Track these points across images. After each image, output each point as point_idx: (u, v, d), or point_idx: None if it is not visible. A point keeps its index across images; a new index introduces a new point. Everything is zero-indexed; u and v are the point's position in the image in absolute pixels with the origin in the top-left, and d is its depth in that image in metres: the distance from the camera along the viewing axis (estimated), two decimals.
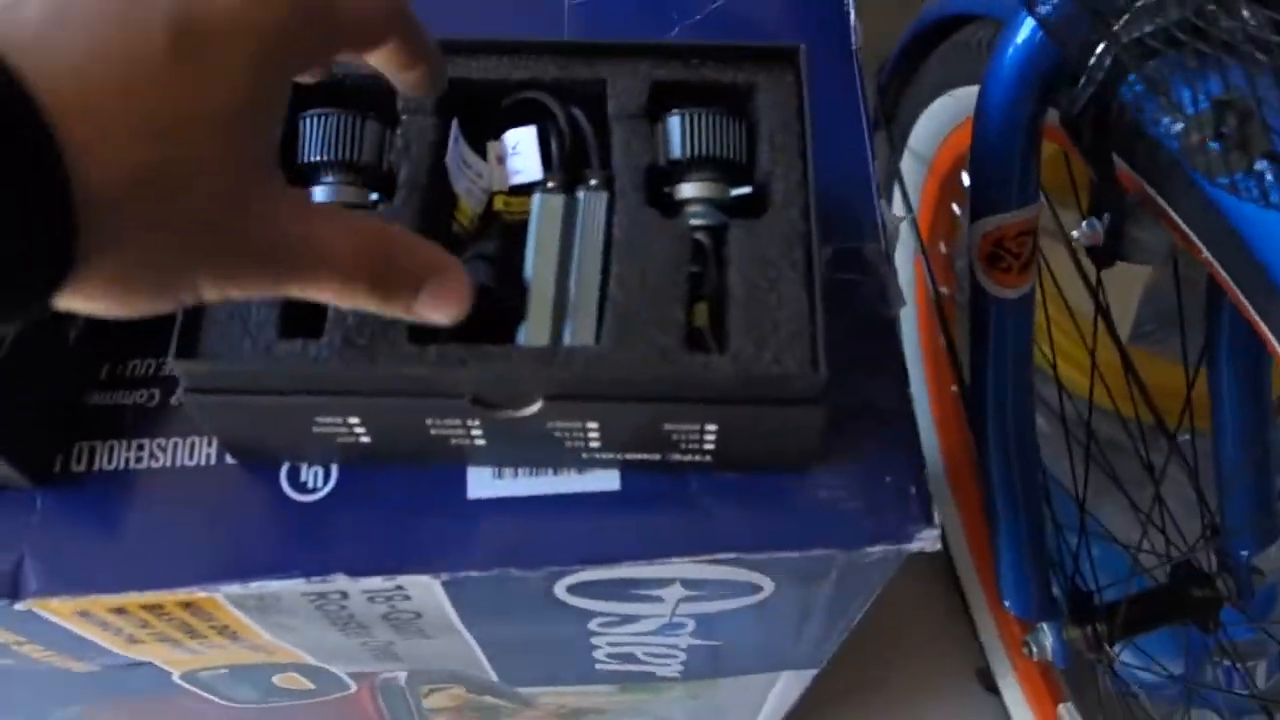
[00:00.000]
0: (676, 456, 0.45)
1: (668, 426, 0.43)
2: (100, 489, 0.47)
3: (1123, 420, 0.91)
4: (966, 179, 0.93)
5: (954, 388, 1.05)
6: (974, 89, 0.75)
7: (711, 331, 0.44)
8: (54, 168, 0.26)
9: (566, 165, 0.46)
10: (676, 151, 0.45)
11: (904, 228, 1.01)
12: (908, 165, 0.95)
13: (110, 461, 0.47)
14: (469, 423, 0.43)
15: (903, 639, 1.15)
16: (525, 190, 0.46)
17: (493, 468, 0.47)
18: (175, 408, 0.48)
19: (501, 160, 0.47)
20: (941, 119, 0.86)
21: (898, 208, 0.97)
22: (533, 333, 0.42)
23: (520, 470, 0.47)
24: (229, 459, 0.47)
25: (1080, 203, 0.62)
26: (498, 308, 0.42)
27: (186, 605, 0.48)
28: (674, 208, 0.45)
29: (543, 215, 0.44)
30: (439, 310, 0.36)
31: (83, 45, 0.28)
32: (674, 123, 0.45)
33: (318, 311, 0.41)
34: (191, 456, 0.47)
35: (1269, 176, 0.38)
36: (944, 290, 1.02)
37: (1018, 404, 0.71)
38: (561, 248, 0.43)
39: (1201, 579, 0.81)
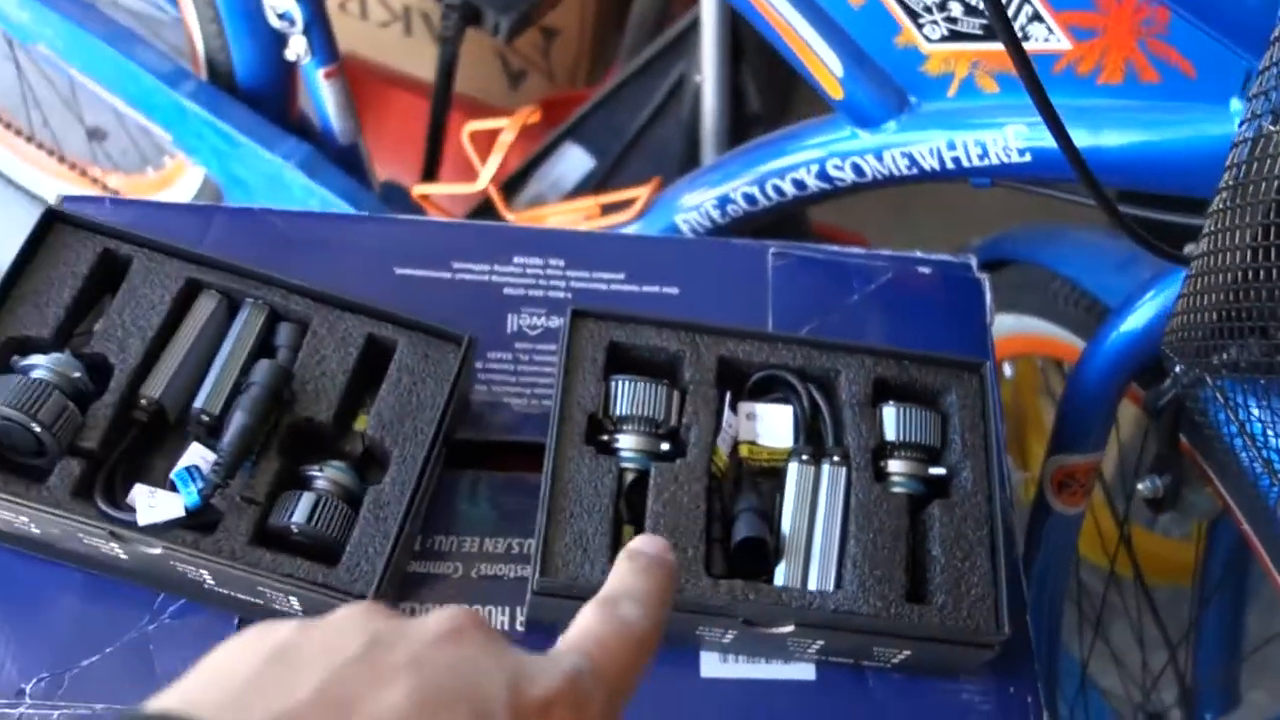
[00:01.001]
0: (867, 663, 0.60)
1: (876, 649, 0.57)
2: None
3: (1118, 582, 1.09)
4: (1008, 370, 1.10)
5: None
6: (1035, 321, 0.92)
7: (917, 575, 0.58)
8: None
9: (808, 436, 0.61)
10: (890, 434, 0.60)
11: None
12: None
13: None
14: (729, 631, 0.57)
15: None
16: (770, 446, 0.61)
17: (721, 653, 0.61)
18: (475, 579, 0.61)
19: (751, 418, 0.61)
20: (999, 326, 1.02)
21: None
22: (788, 574, 0.56)
23: (740, 657, 0.61)
24: (519, 628, 0.60)
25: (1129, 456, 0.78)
26: (761, 550, 0.57)
27: None
28: (883, 476, 0.60)
29: (798, 481, 0.58)
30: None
31: None
32: (889, 413, 0.60)
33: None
34: (495, 623, 0.60)
35: None
36: None
37: (1054, 595, 0.87)
38: (810, 509, 0.58)
39: None
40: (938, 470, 0.60)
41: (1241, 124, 0.51)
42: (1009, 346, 1.03)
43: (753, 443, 0.61)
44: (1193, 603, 0.97)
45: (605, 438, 0.59)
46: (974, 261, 0.74)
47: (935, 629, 0.55)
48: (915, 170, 0.75)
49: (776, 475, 0.60)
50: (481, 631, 0.33)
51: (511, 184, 1.22)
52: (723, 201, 0.85)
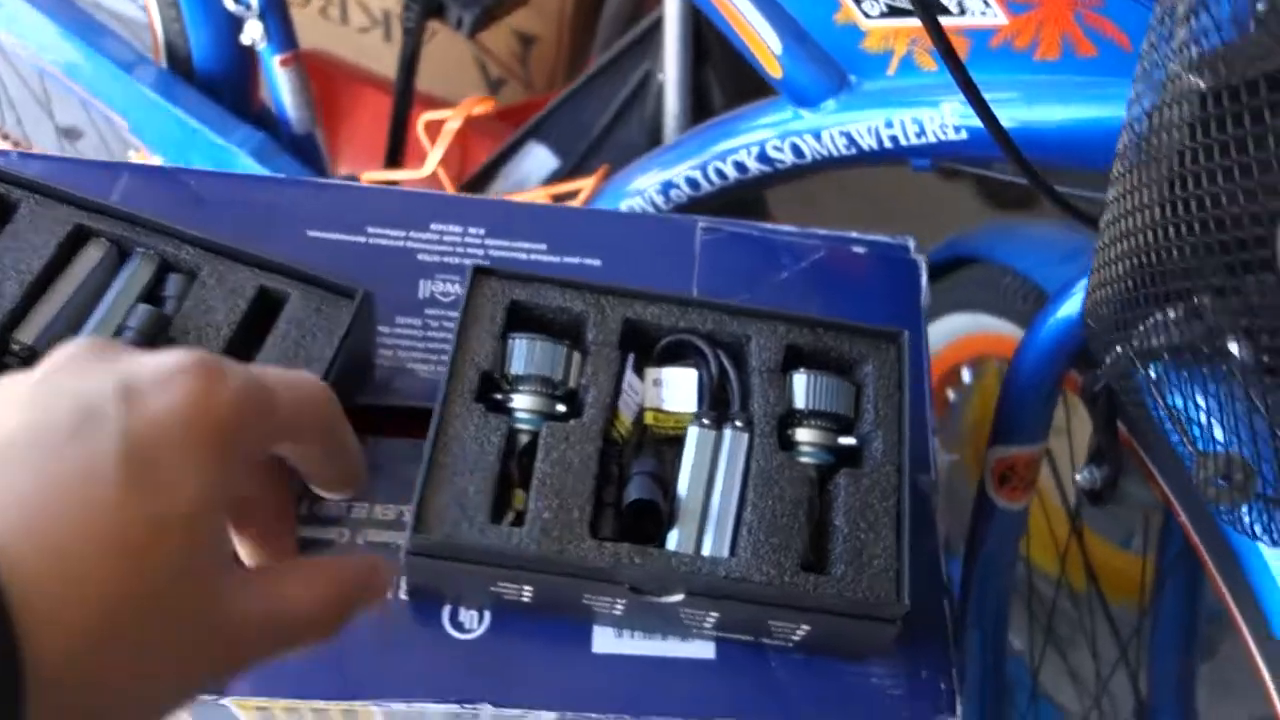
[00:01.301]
0: (767, 640, 0.57)
1: (772, 622, 0.55)
2: None
3: (1073, 595, 1.05)
4: (967, 375, 1.07)
5: None
6: (988, 318, 0.89)
7: (819, 545, 0.55)
8: (6, 637, 0.26)
9: (714, 401, 0.58)
10: (800, 403, 0.57)
11: None
12: None
13: None
14: (617, 600, 0.54)
15: None
16: (676, 413, 0.58)
17: (615, 628, 0.58)
18: (361, 546, 0.59)
19: (658, 383, 0.59)
20: (954, 327, 1.00)
21: None
22: (681, 539, 0.54)
23: (636, 633, 0.58)
24: (403, 596, 0.58)
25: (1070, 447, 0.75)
26: (655, 515, 0.54)
27: (347, 711, 0.58)
28: (791, 445, 0.58)
29: (696, 445, 0.56)
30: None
31: (33, 500, 0.28)
32: (800, 380, 0.58)
33: (507, 503, 0.53)
34: None
35: (1254, 514, 0.51)
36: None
37: (998, 597, 0.84)
38: (709, 473, 0.55)
39: None
40: (848, 440, 0.58)
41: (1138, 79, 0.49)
42: (965, 348, 1.00)
43: (659, 409, 0.59)
44: (1144, 611, 0.94)
45: (499, 396, 0.56)
46: (911, 243, 0.72)
47: (831, 599, 0.52)
48: (854, 150, 0.73)
49: (681, 443, 0.57)
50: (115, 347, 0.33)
51: (475, 183, 1.21)
52: (666, 186, 0.84)
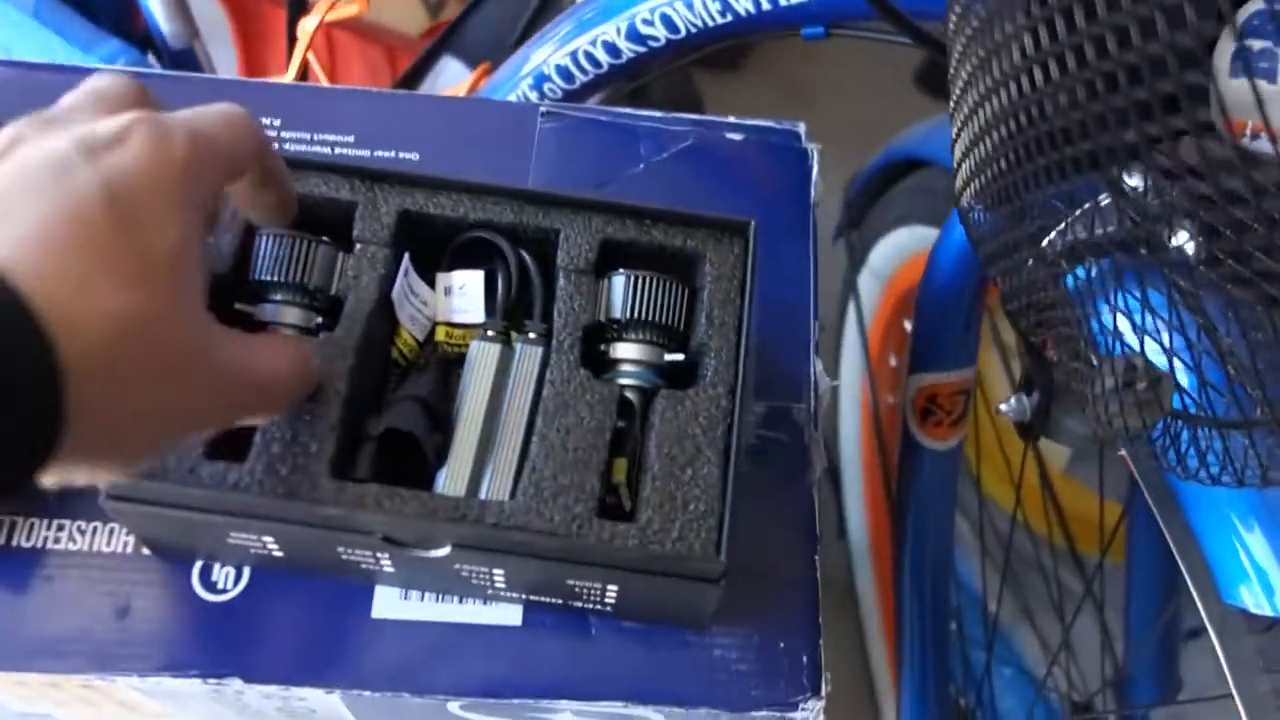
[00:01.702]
0: (579, 604, 0.46)
1: (570, 582, 0.44)
2: (14, 565, 0.47)
3: (1039, 544, 0.93)
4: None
5: (885, 495, 1.06)
6: (932, 231, 0.77)
7: (629, 489, 0.45)
8: (38, 346, 0.29)
9: (509, 312, 0.47)
10: (617, 311, 0.46)
11: (851, 339, 1.02)
12: (865, 280, 0.97)
13: (29, 539, 0.47)
14: (379, 555, 0.44)
15: None
16: (469, 326, 0.47)
17: (400, 589, 0.47)
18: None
19: (448, 293, 0.48)
20: (901, 246, 0.88)
21: (850, 319, 0.98)
22: (452, 479, 0.43)
23: (427, 595, 0.47)
24: (145, 550, 0.47)
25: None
26: (421, 450, 0.43)
27: (85, 685, 0.48)
28: (608, 365, 0.46)
29: (477, 363, 0.45)
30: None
31: (34, 234, 0.30)
32: (619, 282, 0.46)
33: (242, 434, 0.42)
34: (109, 543, 0.48)
35: (1165, 438, 0.39)
36: (888, 401, 1.04)
37: (937, 550, 0.73)
38: (491, 398, 0.44)
39: None
40: (674, 356, 0.46)
41: None
42: (915, 271, 0.88)
43: (449, 323, 0.48)
44: (1120, 570, 0.82)
45: (242, 307, 0.46)
46: (802, 129, 0.60)
47: (629, 553, 0.41)
48: (731, 18, 0.61)
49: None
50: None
51: None
52: (539, 80, 0.72)
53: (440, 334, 0.48)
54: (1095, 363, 0.40)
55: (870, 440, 1.08)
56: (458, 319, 0.47)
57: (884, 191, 0.88)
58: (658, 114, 0.60)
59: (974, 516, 0.96)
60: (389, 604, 0.47)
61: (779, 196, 0.59)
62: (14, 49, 1.00)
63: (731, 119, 0.60)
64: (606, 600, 0.45)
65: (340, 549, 0.44)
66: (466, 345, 0.47)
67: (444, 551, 0.42)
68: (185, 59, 0.98)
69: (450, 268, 0.48)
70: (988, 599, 0.94)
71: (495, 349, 0.45)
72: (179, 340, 0.33)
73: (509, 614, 0.47)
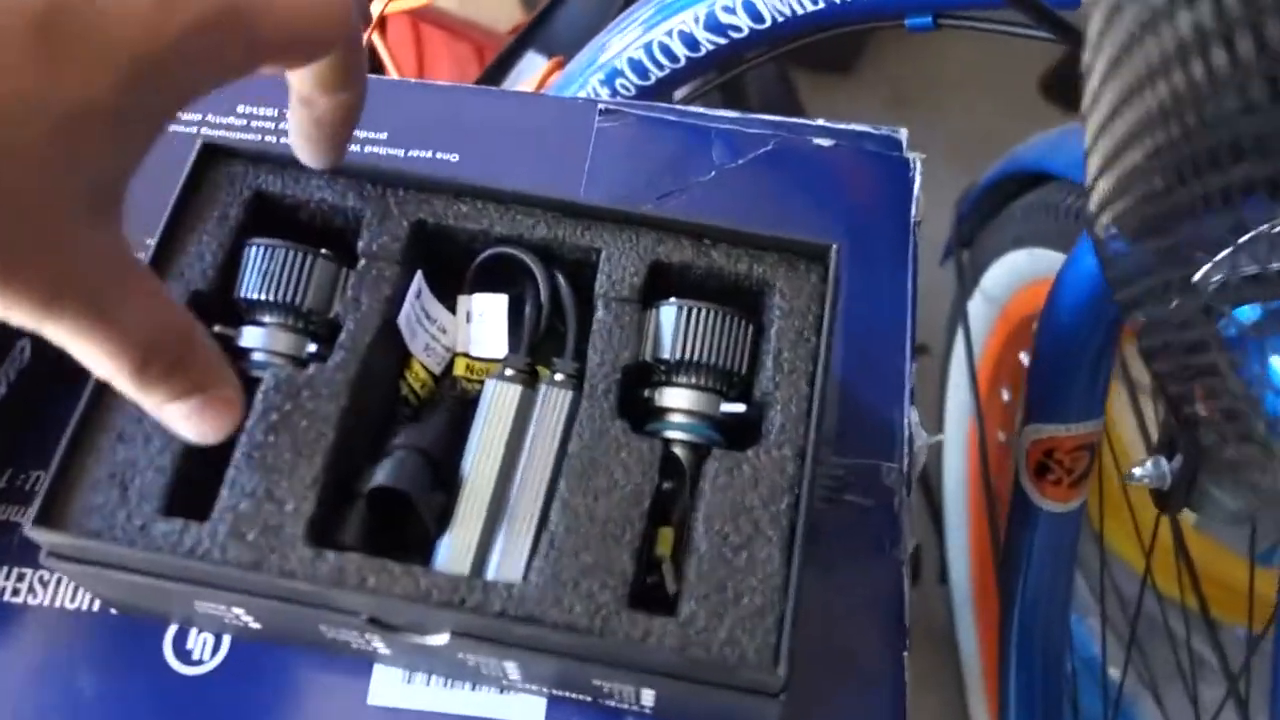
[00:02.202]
0: (611, 704, 0.38)
1: (597, 683, 0.35)
2: None
3: (1165, 606, 0.82)
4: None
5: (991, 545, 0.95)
6: (1057, 255, 0.67)
7: (675, 565, 0.36)
8: None
9: (537, 347, 0.39)
10: (666, 349, 0.38)
11: (958, 369, 0.92)
12: (976, 305, 0.86)
13: None
14: (367, 636, 0.36)
15: None
16: (491, 361, 0.40)
17: (404, 670, 0.40)
18: None
19: (469, 319, 0.40)
20: (1018, 270, 0.77)
21: (958, 354, 0.88)
22: (454, 553, 0.35)
23: (433, 678, 0.40)
24: (113, 610, 0.41)
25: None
26: (422, 513, 0.35)
27: None
28: (651, 414, 0.38)
29: (493, 407, 0.37)
30: (188, 428, 0.32)
31: None
32: (669, 314, 0.38)
33: (210, 486, 0.35)
34: (74, 599, 0.41)
35: None
36: (1000, 438, 0.93)
37: (1050, 619, 0.62)
38: (507, 451, 0.36)
39: None
40: (732, 407, 0.38)
41: None
42: (1038, 296, 0.77)
43: (469, 355, 0.40)
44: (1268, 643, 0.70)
45: (226, 330, 0.38)
46: (903, 136, 0.51)
47: (665, 654, 0.33)
48: (822, 4, 0.52)
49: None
50: None
51: None
52: (610, 76, 0.64)
53: (460, 367, 0.40)
54: (1264, 425, 0.31)
55: (977, 481, 0.97)
56: (476, 351, 0.40)
57: (1001, 208, 0.78)
58: (733, 114, 0.51)
59: (1091, 570, 0.85)
60: (389, 688, 0.40)
61: (874, 213, 0.50)
62: None
63: (821, 122, 0.51)
64: (643, 704, 0.37)
65: (323, 627, 0.36)
66: (481, 379, 0.39)
67: (442, 639, 0.34)
68: None
69: (473, 290, 0.40)
70: (1107, 665, 0.83)
71: (515, 391, 0.37)
72: (51, 203, 0.27)
73: (530, 708, 0.39)
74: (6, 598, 0.41)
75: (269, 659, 0.40)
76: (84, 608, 0.41)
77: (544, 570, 0.34)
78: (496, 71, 1.02)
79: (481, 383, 0.39)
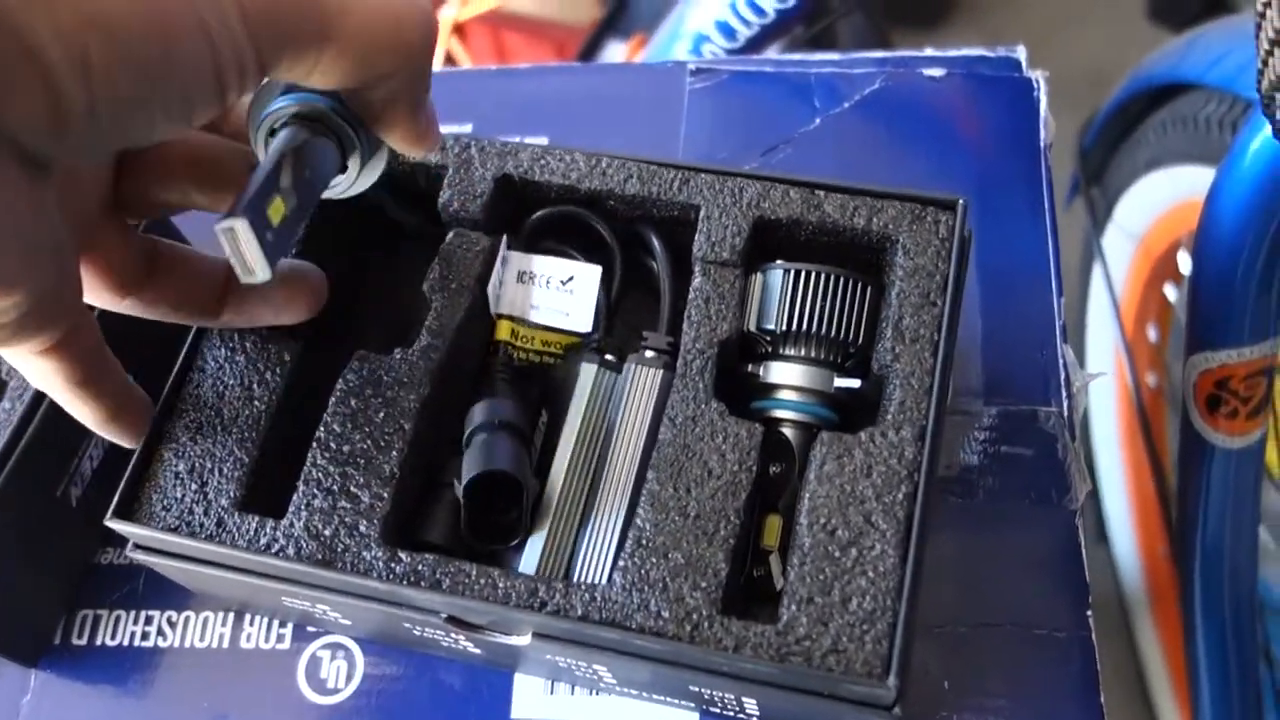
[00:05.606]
0: (716, 710, 0.31)
1: (695, 688, 0.29)
2: (101, 668, 0.36)
3: None
4: (1186, 264, 0.73)
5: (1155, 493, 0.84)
6: (1199, 170, 0.57)
7: (782, 558, 0.29)
8: None
9: (613, 317, 0.32)
10: (772, 319, 0.30)
11: (1102, 310, 0.81)
12: (1112, 241, 0.75)
13: (114, 636, 0.37)
14: (455, 635, 0.30)
15: None
16: (559, 332, 0.33)
17: (546, 679, 0.34)
18: None
19: (523, 279, 0.33)
20: (1156, 196, 0.66)
21: (1096, 289, 0.77)
22: (544, 551, 0.29)
23: (578, 688, 0.34)
24: (244, 643, 0.36)
25: None
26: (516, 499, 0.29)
27: None
28: (754, 391, 0.31)
29: (587, 390, 0.30)
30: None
31: None
32: (776, 278, 0.31)
33: (288, 478, 0.30)
34: (203, 637, 0.36)
35: None
36: (1150, 382, 0.82)
37: (1237, 570, 0.52)
38: (599, 440, 0.30)
39: None
40: (847, 382, 0.30)
41: None
42: (1182, 220, 0.66)
43: (517, 319, 0.33)
44: None
45: None
46: (1022, 54, 0.42)
47: (760, 664, 0.26)
48: None
49: (548, 376, 0.32)
50: None
51: None
52: (697, 43, 0.57)
53: (504, 331, 0.33)
54: None
55: (1133, 432, 0.85)
56: (539, 319, 0.33)
57: (1128, 133, 0.67)
58: (833, 55, 0.43)
59: (1269, 512, 0.73)
60: (532, 699, 0.34)
61: (998, 145, 0.41)
62: None
63: (929, 51, 0.43)
64: (748, 712, 0.30)
65: (406, 625, 0.30)
66: (541, 353, 0.32)
67: (524, 640, 0.28)
68: None
69: (529, 248, 0.34)
70: None
71: (603, 373, 0.31)
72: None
73: (682, 715, 0.33)
74: (137, 642, 0.37)
75: (403, 681, 0.35)
76: (213, 645, 0.36)
77: (629, 571, 0.27)
78: (582, 58, 0.96)
79: (530, 353, 0.32)
